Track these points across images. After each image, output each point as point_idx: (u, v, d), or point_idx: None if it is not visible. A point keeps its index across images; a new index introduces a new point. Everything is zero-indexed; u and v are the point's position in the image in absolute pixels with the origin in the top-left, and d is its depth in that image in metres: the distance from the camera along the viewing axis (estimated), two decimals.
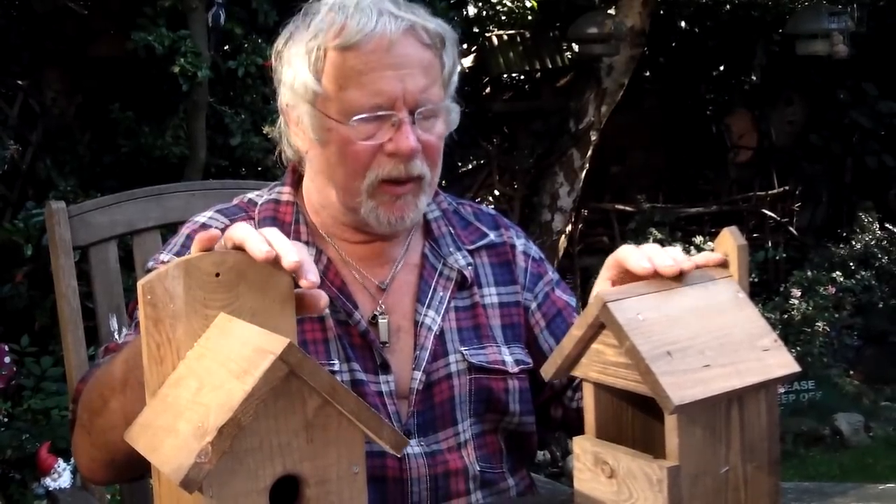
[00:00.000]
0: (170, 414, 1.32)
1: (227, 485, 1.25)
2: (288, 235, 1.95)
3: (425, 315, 1.99)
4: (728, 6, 8.78)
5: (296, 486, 1.31)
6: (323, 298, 1.49)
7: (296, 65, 1.94)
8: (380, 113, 1.87)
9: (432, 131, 1.92)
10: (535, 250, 2.19)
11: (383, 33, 1.87)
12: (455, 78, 2.01)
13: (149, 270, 1.91)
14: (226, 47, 5.43)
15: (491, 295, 2.08)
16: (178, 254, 1.95)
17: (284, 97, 1.98)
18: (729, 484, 1.44)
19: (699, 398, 1.37)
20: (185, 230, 2.03)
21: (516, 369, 2.03)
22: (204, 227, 2.00)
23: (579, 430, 2.17)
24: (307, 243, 1.98)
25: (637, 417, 1.53)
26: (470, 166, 8.04)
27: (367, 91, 1.86)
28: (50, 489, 4.12)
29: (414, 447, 1.92)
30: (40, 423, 4.58)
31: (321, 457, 1.31)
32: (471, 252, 2.09)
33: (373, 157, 1.89)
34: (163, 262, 1.92)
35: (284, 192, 2.05)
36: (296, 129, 1.98)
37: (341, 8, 1.91)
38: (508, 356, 2.04)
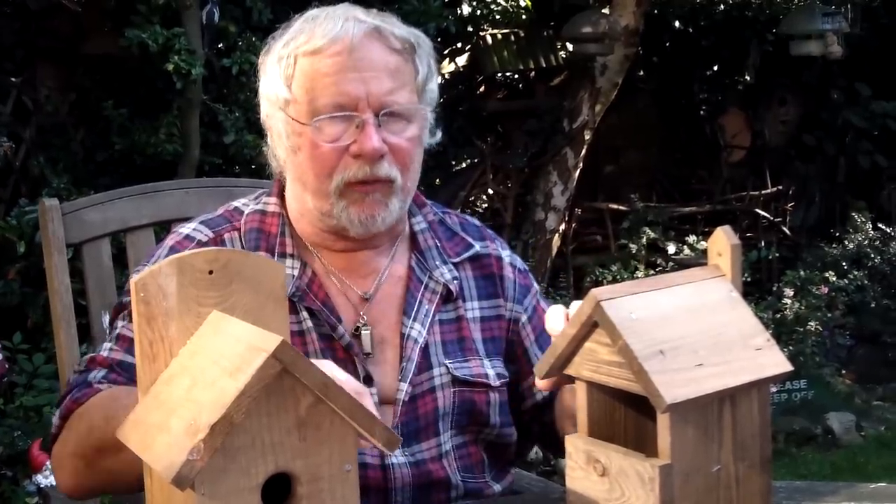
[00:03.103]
0: (162, 411, 1.32)
1: (218, 482, 1.25)
2: (273, 247, 1.97)
3: (411, 328, 1.99)
4: (722, 6, 8.78)
5: (288, 484, 1.31)
6: None
7: (270, 74, 1.98)
8: (343, 114, 1.89)
9: (401, 134, 1.93)
10: (520, 262, 2.21)
11: (345, 36, 1.90)
12: (432, 86, 2.02)
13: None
14: (220, 45, 5.43)
15: (473, 309, 2.09)
16: None
17: (263, 109, 2.02)
18: (721, 482, 1.44)
19: (691, 397, 1.38)
20: (168, 242, 2.03)
21: (498, 382, 2.04)
22: (188, 238, 2.01)
23: (553, 445, 2.16)
24: (292, 255, 1.99)
25: (629, 416, 1.53)
26: (464, 165, 8.03)
27: (330, 92, 1.90)
28: (41, 486, 4.12)
29: (398, 457, 1.92)
30: (32, 420, 4.58)
31: (314, 455, 1.31)
32: (456, 265, 2.08)
33: (339, 159, 1.91)
34: None
35: (271, 203, 2.05)
36: (277, 141, 2.00)
37: (313, 18, 1.96)
38: (491, 369, 2.05)
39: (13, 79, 5.59)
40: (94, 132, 5.66)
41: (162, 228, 2.55)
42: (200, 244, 1.98)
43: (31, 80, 5.66)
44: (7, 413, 4.60)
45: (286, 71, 1.94)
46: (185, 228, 2.04)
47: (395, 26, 1.97)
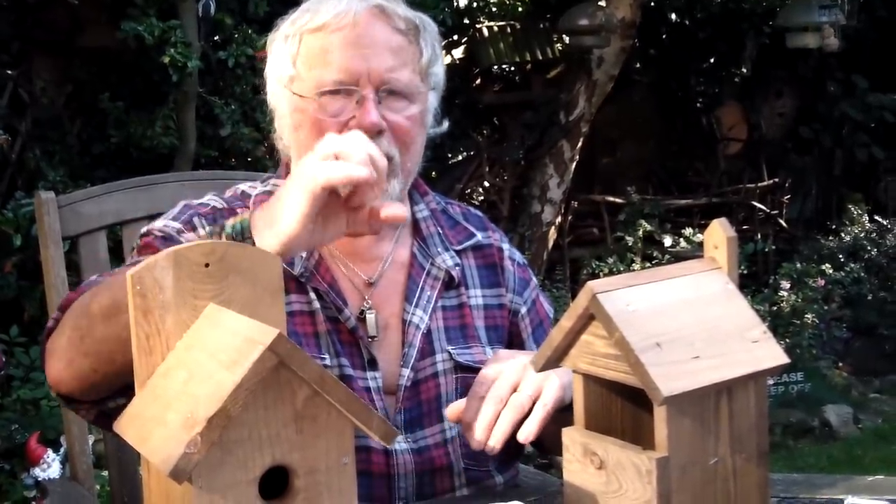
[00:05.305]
0: (159, 404, 1.31)
1: (216, 475, 1.25)
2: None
3: (413, 314, 2.01)
4: None
5: (285, 477, 1.31)
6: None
7: (275, 54, 2.00)
8: (343, 87, 1.91)
9: (402, 112, 1.94)
10: (518, 255, 2.23)
11: (348, 13, 1.92)
12: (436, 70, 2.03)
13: (142, 235, 1.93)
14: (216, 38, 5.43)
15: (476, 297, 2.10)
16: (174, 218, 1.97)
17: (269, 89, 2.03)
18: (718, 475, 1.44)
19: (688, 389, 1.37)
20: (181, 202, 2.04)
21: None
22: (201, 204, 2.02)
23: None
24: None
25: (626, 408, 1.53)
26: (460, 157, 8.04)
27: (331, 68, 1.91)
28: (39, 479, 4.12)
29: (401, 443, 1.94)
30: (29, 413, 4.58)
31: (311, 447, 1.31)
32: (458, 253, 2.10)
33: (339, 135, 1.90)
34: (157, 229, 1.94)
35: (280, 184, 2.05)
36: (282, 121, 2.02)
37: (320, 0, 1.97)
38: None
39: (9, 71, 5.59)
40: (91, 125, 5.66)
41: None
42: (215, 209, 2.00)
43: (27, 72, 5.65)
44: (4, 406, 4.61)
45: (291, 49, 1.96)
46: (198, 200, 2.05)
47: (399, 6, 1.98)
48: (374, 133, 1.89)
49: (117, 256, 2.53)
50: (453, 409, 1.83)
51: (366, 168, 1.57)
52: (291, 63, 1.95)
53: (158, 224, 1.96)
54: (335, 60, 1.91)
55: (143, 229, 2.00)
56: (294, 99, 1.95)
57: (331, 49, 1.91)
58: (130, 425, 1.36)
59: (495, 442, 1.76)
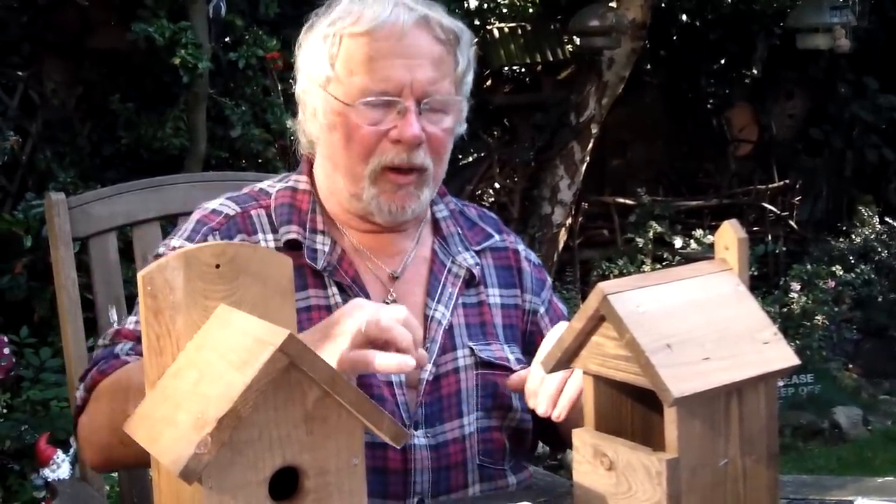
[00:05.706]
0: (169, 405, 1.31)
1: (226, 476, 1.25)
2: (305, 223, 1.99)
3: (435, 309, 2.02)
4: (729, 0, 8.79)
5: (295, 478, 1.31)
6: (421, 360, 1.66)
7: (312, 51, 1.99)
8: (386, 98, 1.91)
9: (439, 125, 1.96)
10: (534, 256, 2.25)
11: (395, 22, 1.92)
12: (469, 79, 2.05)
13: (157, 255, 1.93)
14: (226, 39, 5.44)
15: (494, 295, 2.12)
16: (188, 238, 1.98)
17: (300, 84, 2.04)
18: (728, 477, 1.44)
19: (698, 391, 1.37)
20: (195, 216, 2.05)
21: (518, 367, 2.04)
22: (214, 212, 2.03)
23: (547, 438, 2.17)
24: (323, 232, 2.01)
25: (636, 410, 1.53)
26: (470, 159, 8.03)
27: (375, 77, 1.91)
28: (49, 480, 4.13)
29: (420, 438, 1.94)
30: (39, 414, 4.59)
31: (321, 448, 1.31)
32: (477, 253, 2.11)
33: (377, 143, 1.92)
34: (173, 248, 1.95)
35: (302, 181, 2.07)
36: (311, 118, 2.02)
37: (361, 0, 1.97)
38: (510, 354, 2.07)
39: (20, 73, 5.60)
40: (101, 126, 5.67)
41: (168, 222, 2.55)
42: (228, 217, 2.01)
43: (38, 74, 5.67)
44: (14, 407, 4.61)
45: (330, 49, 1.95)
46: (212, 203, 2.06)
47: (442, 16, 1.98)
48: (415, 145, 1.91)
49: (127, 258, 2.53)
50: (516, 378, 1.87)
51: (413, 359, 1.60)
52: (329, 64, 1.95)
53: (174, 244, 1.97)
54: (380, 69, 1.91)
55: (160, 249, 2.01)
56: (331, 101, 1.95)
57: (375, 57, 1.91)
58: (140, 426, 1.36)
59: (561, 409, 1.78)
